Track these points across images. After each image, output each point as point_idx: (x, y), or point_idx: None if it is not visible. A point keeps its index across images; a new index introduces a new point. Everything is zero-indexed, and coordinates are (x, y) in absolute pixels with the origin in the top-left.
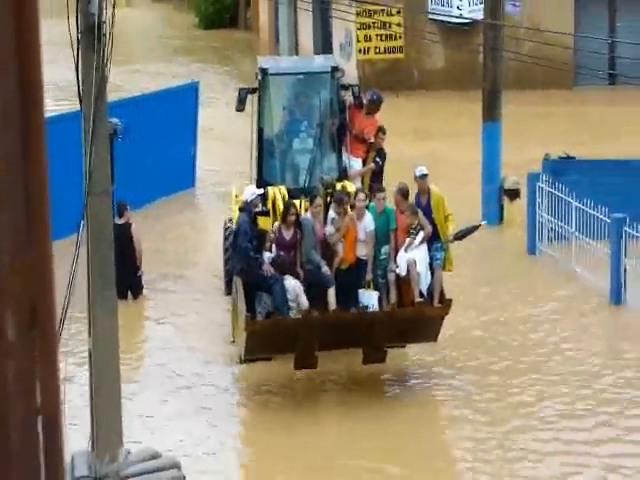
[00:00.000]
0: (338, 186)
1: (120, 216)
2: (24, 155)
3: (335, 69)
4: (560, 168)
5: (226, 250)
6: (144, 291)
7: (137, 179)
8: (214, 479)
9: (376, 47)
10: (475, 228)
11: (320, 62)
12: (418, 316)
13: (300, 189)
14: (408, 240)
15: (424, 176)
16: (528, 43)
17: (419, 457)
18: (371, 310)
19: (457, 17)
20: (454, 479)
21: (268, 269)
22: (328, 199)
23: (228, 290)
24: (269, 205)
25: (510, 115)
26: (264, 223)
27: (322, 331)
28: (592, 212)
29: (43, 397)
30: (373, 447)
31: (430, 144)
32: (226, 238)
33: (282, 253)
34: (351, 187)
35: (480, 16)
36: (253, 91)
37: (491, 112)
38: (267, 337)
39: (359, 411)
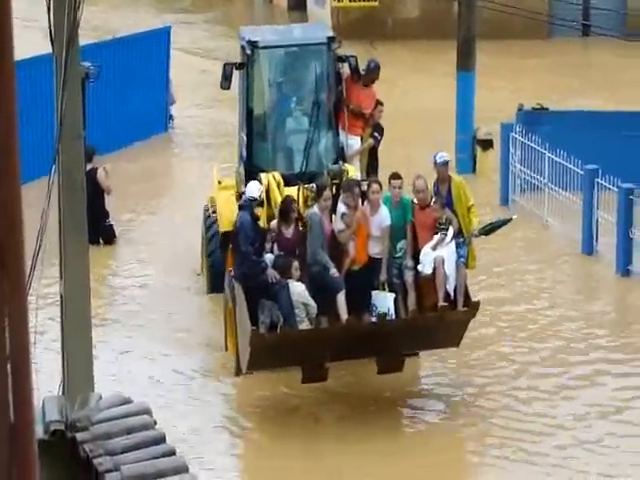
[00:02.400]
0: (336, 165)
1: (88, 161)
2: None
3: (331, 39)
4: (533, 119)
5: (209, 241)
6: (116, 236)
7: (109, 123)
8: (185, 423)
9: None
10: (505, 222)
11: (313, 32)
12: (441, 323)
13: (297, 174)
14: (438, 237)
15: (445, 163)
16: None
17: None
18: (388, 318)
19: None
20: None
21: (273, 274)
22: (334, 190)
23: (211, 288)
24: (262, 194)
25: (485, 65)
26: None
27: (334, 342)
28: (565, 163)
29: (12, 338)
30: None
31: (403, 94)
32: (208, 228)
33: (283, 254)
34: (352, 171)
35: None
36: (240, 66)
37: (465, 61)
38: (274, 351)
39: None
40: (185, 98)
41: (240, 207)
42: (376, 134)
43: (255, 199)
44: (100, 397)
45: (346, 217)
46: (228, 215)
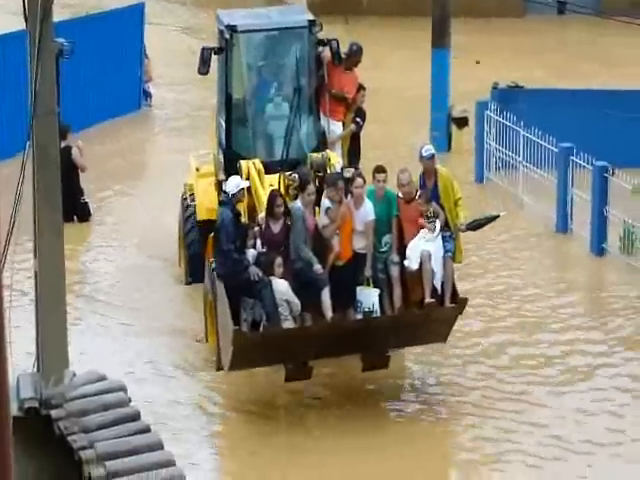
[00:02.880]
0: (319, 157)
1: (63, 139)
2: None
3: (312, 23)
4: (508, 97)
5: (187, 233)
6: (91, 214)
7: (82, 100)
8: (160, 400)
9: None
10: (493, 218)
11: (293, 15)
12: (428, 319)
13: (278, 161)
14: (424, 230)
15: (432, 156)
16: None
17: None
18: (375, 315)
19: None
20: None
21: (255, 272)
22: (318, 182)
23: (191, 278)
24: (244, 189)
25: (460, 43)
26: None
27: (318, 340)
28: (539, 141)
29: None
30: None
31: (379, 71)
32: (186, 219)
33: (268, 249)
34: (334, 158)
35: None
36: (219, 51)
37: (440, 39)
38: (257, 350)
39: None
40: (166, 75)
41: (220, 203)
42: (358, 119)
43: (235, 195)
44: (74, 374)
45: (331, 212)
46: (207, 204)
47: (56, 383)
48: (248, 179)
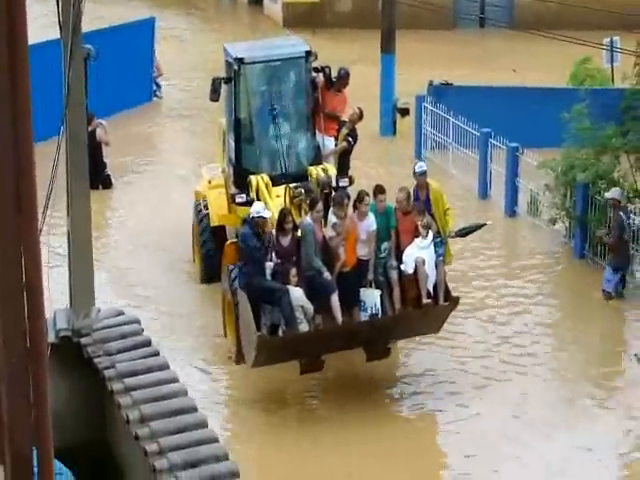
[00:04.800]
0: (320, 171)
1: (88, 124)
2: (10, 76)
3: (309, 53)
4: (441, 92)
5: (204, 242)
6: (112, 183)
7: (104, 94)
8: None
9: None
10: (479, 227)
11: (292, 47)
12: (425, 317)
13: (281, 174)
14: (419, 239)
15: (423, 173)
16: None
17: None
18: (377, 313)
19: None
20: None
21: (277, 285)
22: (324, 198)
23: (205, 277)
24: (253, 194)
25: (403, 50)
26: (246, 213)
27: (330, 340)
28: (465, 127)
29: (27, 265)
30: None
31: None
32: (200, 221)
33: (280, 261)
34: (331, 169)
35: None
36: (228, 81)
37: (387, 46)
38: (277, 351)
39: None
40: (176, 77)
41: (243, 221)
42: (350, 139)
43: (254, 218)
44: (99, 310)
45: (337, 226)
46: (218, 211)
47: (85, 317)
48: (258, 194)
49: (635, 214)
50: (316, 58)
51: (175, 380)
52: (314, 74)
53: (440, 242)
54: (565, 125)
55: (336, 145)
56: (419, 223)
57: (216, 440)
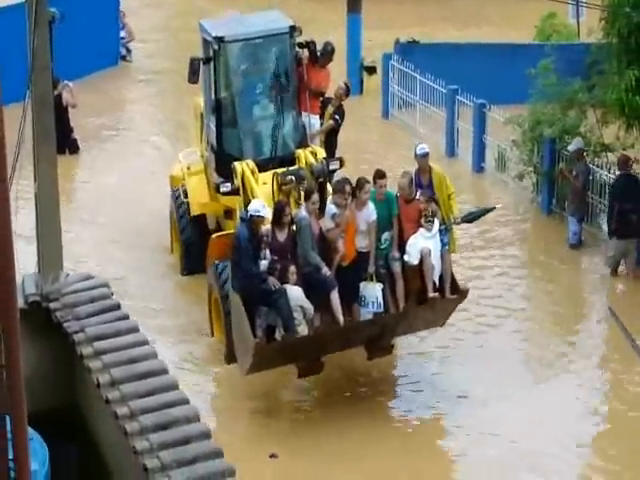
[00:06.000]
0: (309, 155)
1: (54, 88)
2: None
3: (293, 28)
4: (408, 50)
5: (183, 229)
6: (79, 148)
7: (70, 57)
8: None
9: None
10: (487, 211)
11: (274, 21)
12: (431, 311)
13: (267, 159)
14: (423, 228)
15: (426, 155)
16: None
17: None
18: (379, 310)
19: None
20: None
21: (273, 282)
22: (318, 187)
23: (186, 268)
24: (238, 182)
25: (370, 8)
26: (231, 202)
27: (331, 341)
28: (432, 84)
29: None
30: None
31: (306, 31)
32: (178, 207)
33: (276, 257)
34: (320, 152)
35: None
36: (207, 61)
37: (354, 5)
38: (274, 356)
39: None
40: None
41: (241, 219)
42: (337, 117)
43: (252, 216)
44: (67, 275)
45: (337, 217)
46: (199, 199)
47: (53, 281)
48: (243, 181)
49: (602, 168)
50: (300, 33)
51: (145, 343)
52: (298, 50)
53: (444, 229)
54: (532, 81)
55: (322, 124)
56: (424, 213)
57: (187, 402)
